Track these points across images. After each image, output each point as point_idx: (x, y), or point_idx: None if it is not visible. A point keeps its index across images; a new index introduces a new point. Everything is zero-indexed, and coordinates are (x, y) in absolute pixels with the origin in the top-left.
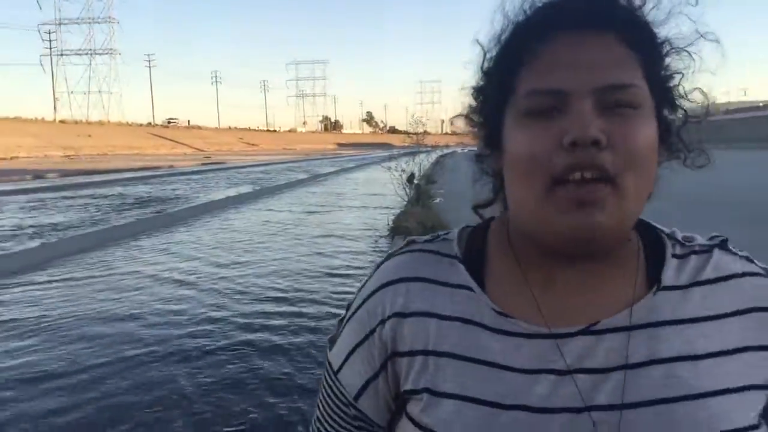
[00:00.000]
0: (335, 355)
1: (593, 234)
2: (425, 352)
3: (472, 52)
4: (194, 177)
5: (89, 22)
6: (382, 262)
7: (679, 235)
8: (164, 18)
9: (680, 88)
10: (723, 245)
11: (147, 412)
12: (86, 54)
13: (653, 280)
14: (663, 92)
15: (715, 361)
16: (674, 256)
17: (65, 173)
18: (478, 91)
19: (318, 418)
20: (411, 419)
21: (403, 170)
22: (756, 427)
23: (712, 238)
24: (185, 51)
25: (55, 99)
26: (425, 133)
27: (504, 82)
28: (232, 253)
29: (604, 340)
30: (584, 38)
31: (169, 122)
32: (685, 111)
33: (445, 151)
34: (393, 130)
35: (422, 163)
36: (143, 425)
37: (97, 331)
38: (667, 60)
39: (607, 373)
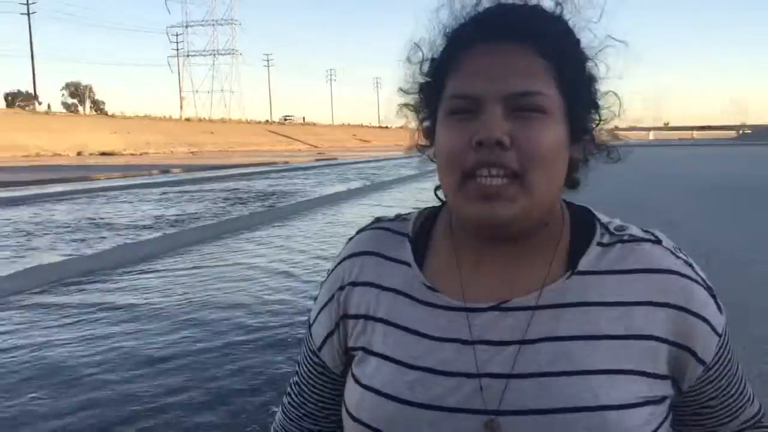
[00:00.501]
0: (312, 314)
1: (496, 223)
2: (366, 317)
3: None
4: (308, 172)
5: (213, 24)
6: (352, 237)
7: (614, 226)
8: (282, 18)
9: (594, 92)
10: (658, 240)
11: (248, 399)
12: (210, 54)
13: (573, 264)
14: (575, 97)
15: (611, 343)
16: (599, 244)
17: (188, 168)
18: (422, 89)
19: (297, 368)
20: (351, 372)
21: None
22: (635, 406)
23: (646, 232)
24: (301, 50)
25: (181, 98)
26: None
27: (437, 85)
28: (335, 248)
29: (509, 317)
30: (499, 49)
31: (285, 119)
32: (599, 113)
33: None
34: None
35: None
36: (245, 411)
37: (207, 318)
38: (582, 67)
39: (504, 345)
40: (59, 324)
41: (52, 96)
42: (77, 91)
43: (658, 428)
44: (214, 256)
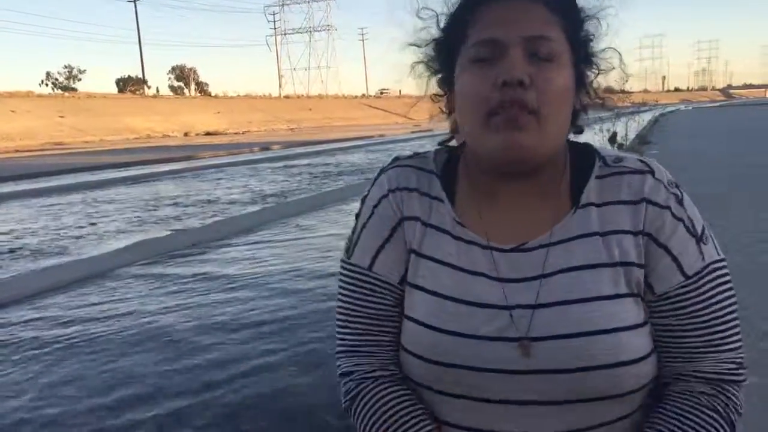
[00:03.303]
0: (363, 253)
1: (519, 151)
2: (412, 251)
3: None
4: (403, 145)
5: (308, 1)
6: (377, 177)
7: (611, 158)
8: None
9: (594, 47)
10: (651, 171)
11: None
12: (306, 32)
13: (577, 199)
14: (580, 49)
15: (611, 270)
16: (598, 177)
17: (288, 144)
18: (438, 44)
19: (349, 314)
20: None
21: (608, 130)
22: (640, 326)
23: (643, 162)
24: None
25: (279, 76)
26: (645, 91)
27: (457, 37)
28: None
29: (528, 256)
30: (514, 4)
31: (381, 93)
32: (598, 66)
33: (667, 109)
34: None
35: (633, 122)
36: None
37: (300, 287)
38: (584, 24)
39: (527, 281)
40: (165, 293)
41: (159, 79)
42: (182, 74)
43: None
44: (310, 228)
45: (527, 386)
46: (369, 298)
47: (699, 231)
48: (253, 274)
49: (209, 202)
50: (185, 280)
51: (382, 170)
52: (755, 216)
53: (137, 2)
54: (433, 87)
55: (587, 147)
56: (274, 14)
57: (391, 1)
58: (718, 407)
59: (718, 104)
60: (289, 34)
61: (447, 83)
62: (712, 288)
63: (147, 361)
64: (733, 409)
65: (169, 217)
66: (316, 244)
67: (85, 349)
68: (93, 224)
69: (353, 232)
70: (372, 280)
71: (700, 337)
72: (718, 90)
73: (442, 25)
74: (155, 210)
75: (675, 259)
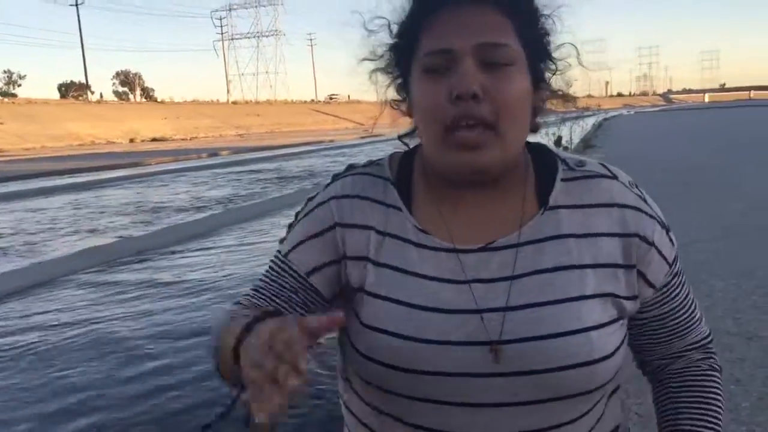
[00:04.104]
0: (288, 243)
1: (477, 169)
2: (366, 259)
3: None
4: (353, 150)
5: (256, 6)
6: (329, 183)
7: (573, 161)
8: None
9: (551, 46)
10: (614, 176)
11: None
12: (254, 37)
13: (543, 200)
14: (535, 51)
15: (584, 271)
16: (563, 179)
17: (237, 150)
18: (393, 49)
19: (258, 286)
20: (357, 316)
21: (553, 134)
22: (610, 323)
23: (604, 167)
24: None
25: (227, 81)
26: (589, 96)
27: (410, 45)
28: None
29: (497, 256)
30: (466, 10)
31: (330, 98)
32: (556, 64)
33: (610, 113)
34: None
35: (577, 127)
36: None
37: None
38: (539, 25)
39: (497, 282)
40: (112, 300)
41: (103, 85)
42: (127, 80)
43: (623, 340)
44: (259, 234)
45: (499, 388)
46: (276, 281)
47: (665, 221)
48: (203, 280)
49: (157, 209)
50: (133, 287)
51: (336, 177)
52: (693, 215)
53: (79, 6)
54: (392, 92)
55: (545, 148)
56: (221, 19)
57: (343, 13)
58: (713, 364)
59: (659, 109)
60: (237, 39)
61: (405, 88)
62: (680, 267)
63: (94, 368)
64: (717, 360)
65: (115, 225)
66: (267, 249)
67: (31, 357)
68: (36, 233)
69: (290, 226)
70: (282, 265)
71: (685, 314)
72: (659, 95)
73: (395, 31)
74: (101, 218)
75: (660, 252)
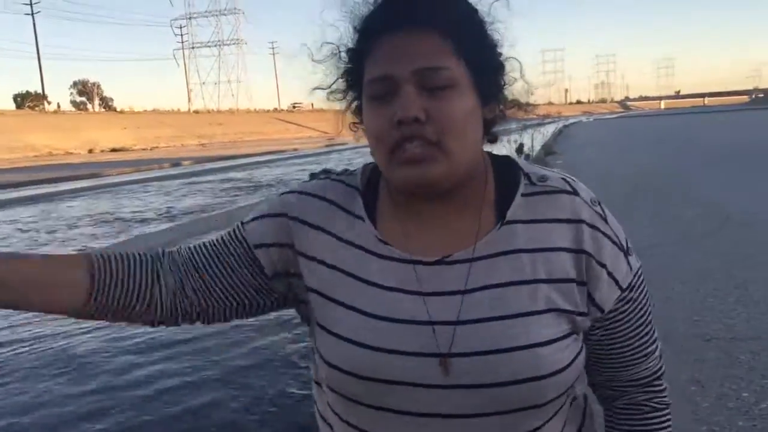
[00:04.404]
0: (249, 215)
1: (425, 183)
2: (323, 263)
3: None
4: (317, 159)
5: (217, 15)
6: (304, 182)
7: (536, 176)
8: (285, 3)
9: (496, 59)
10: (576, 192)
11: (259, 373)
12: (215, 45)
13: (502, 215)
14: (478, 69)
15: (537, 286)
16: (524, 194)
17: (199, 160)
18: (345, 74)
19: (207, 243)
20: (317, 322)
21: (515, 141)
22: (560, 339)
23: (566, 182)
24: (306, 35)
25: (188, 90)
26: (550, 103)
27: (357, 74)
28: None
29: (451, 270)
30: (405, 36)
31: (293, 107)
32: (503, 78)
33: (570, 120)
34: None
35: (538, 134)
36: (251, 387)
37: None
38: (480, 42)
39: (450, 295)
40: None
41: (60, 95)
42: (85, 89)
43: (577, 355)
44: None
45: (449, 400)
46: (227, 244)
47: (625, 244)
48: None
49: (120, 220)
50: None
51: (313, 176)
52: (650, 221)
53: (35, 15)
54: (350, 115)
55: (510, 163)
56: (181, 27)
57: (304, 24)
58: (657, 405)
59: (616, 116)
60: (198, 47)
61: (360, 111)
62: (639, 294)
63: (54, 385)
64: (665, 396)
65: (73, 238)
66: None
67: None
68: None
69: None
70: (237, 232)
71: (634, 344)
72: (617, 102)
73: (344, 58)
74: (62, 230)
75: (611, 274)
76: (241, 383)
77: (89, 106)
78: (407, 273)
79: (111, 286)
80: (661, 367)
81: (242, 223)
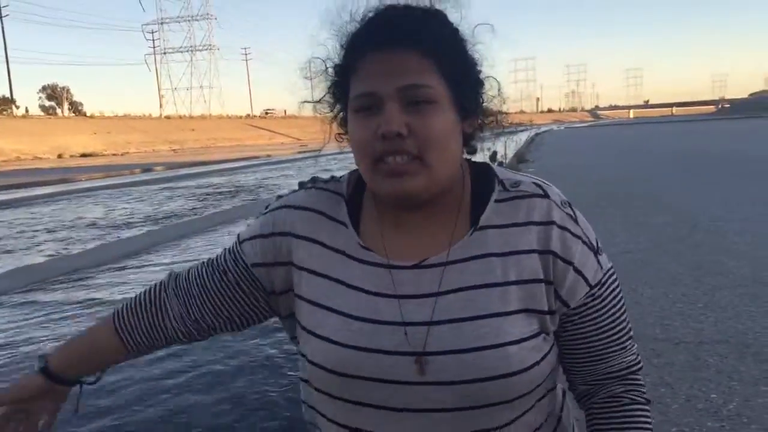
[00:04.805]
0: (244, 234)
1: (405, 195)
2: (311, 271)
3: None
4: (291, 165)
5: (189, 20)
6: (292, 192)
7: (510, 182)
8: (258, 10)
9: (475, 76)
10: (546, 195)
11: (247, 377)
12: (187, 51)
13: (475, 221)
14: (459, 86)
15: (507, 288)
16: (497, 200)
17: (170, 166)
18: (332, 87)
19: (209, 261)
20: (300, 323)
21: (488, 149)
22: (529, 338)
23: (538, 186)
24: (279, 42)
25: (160, 96)
26: (521, 112)
27: (343, 88)
28: None
29: (426, 273)
30: (389, 55)
31: (266, 113)
32: (482, 95)
33: (542, 128)
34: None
35: (512, 142)
36: (236, 394)
37: None
38: (460, 62)
39: (424, 298)
40: (47, 320)
41: (29, 99)
42: (54, 94)
43: (547, 353)
44: (196, 250)
45: (424, 396)
46: (228, 261)
47: (595, 244)
48: None
49: (91, 226)
50: (69, 307)
51: (302, 186)
52: (619, 228)
53: (3, 18)
54: (336, 126)
55: (488, 171)
56: (153, 32)
57: (275, 28)
58: (636, 398)
59: (587, 124)
60: (170, 53)
61: (345, 122)
62: (611, 292)
63: None
64: (643, 391)
65: (45, 243)
66: None
67: None
68: None
69: (258, 216)
70: (235, 251)
71: (608, 338)
72: (587, 111)
73: (332, 72)
74: (31, 236)
75: (579, 272)
76: (225, 386)
77: (58, 110)
78: (385, 277)
79: (136, 338)
80: (638, 362)
81: (239, 242)
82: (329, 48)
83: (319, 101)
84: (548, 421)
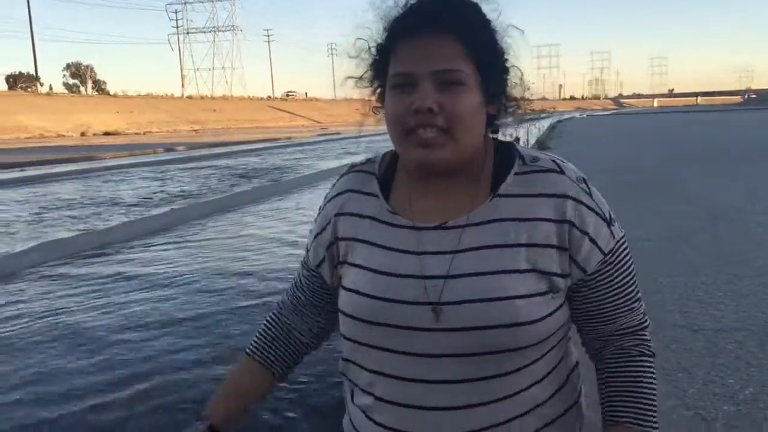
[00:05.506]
0: (308, 242)
1: (433, 163)
2: (351, 239)
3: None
4: (310, 147)
5: (212, 0)
6: (337, 180)
7: (529, 158)
8: None
9: (502, 64)
10: (561, 171)
11: None
12: (210, 31)
13: (495, 190)
14: (487, 71)
15: (519, 249)
16: (516, 173)
17: (192, 146)
18: (372, 66)
19: (295, 280)
20: (340, 281)
21: (510, 135)
22: (536, 295)
23: (555, 163)
24: (302, 24)
25: (182, 76)
26: (544, 99)
27: (384, 64)
28: None
29: (447, 234)
30: (427, 40)
31: (287, 95)
32: (506, 81)
33: (564, 116)
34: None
35: (534, 128)
36: None
37: (218, 285)
38: (490, 50)
39: (443, 255)
40: (77, 292)
41: (53, 77)
42: (78, 72)
43: (554, 311)
44: (220, 229)
45: (439, 342)
46: (304, 271)
47: (608, 216)
48: (167, 274)
49: (114, 203)
50: (97, 280)
51: (341, 175)
52: (638, 217)
53: None
54: (373, 99)
55: (511, 147)
56: (176, 12)
57: (300, 11)
58: (644, 351)
59: (609, 112)
60: (193, 33)
61: (383, 97)
62: (622, 258)
63: (64, 359)
64: (650, 346)
65: (72, 219)
66: (230, 244)
67: (4, 348)
68: None
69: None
70: (304, 263)
71: (619, 300)
72: (610, 99)
73: (374, 52)
74: (60, 211)
75: (594, 241)
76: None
77: (82, 88)
78: (409, 237)
79: (282, 364)
80: (646, 321)
81: (306, 250)
82: (372, 30)
83: (360, 77)
84: (556, 374)
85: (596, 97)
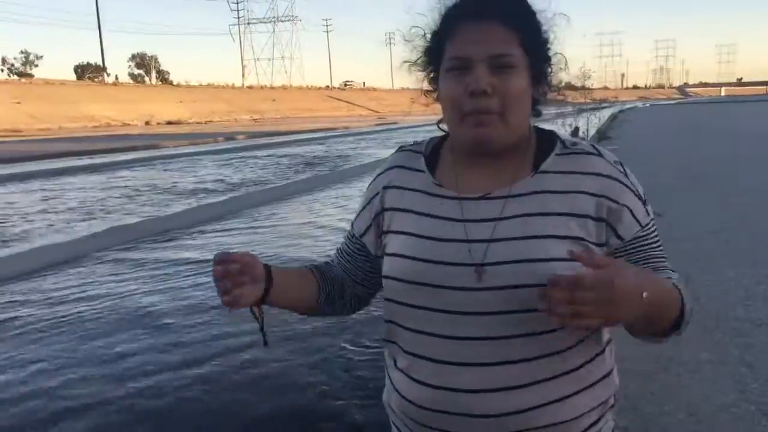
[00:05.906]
0: (356, 213)
1: (487, 142)
2: (396, 209)
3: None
4: (367, 137)
5: None
6: (389, 157)
7: (570, 142)
8: None
9: (548, 50)
10: (600, 154)
11: (319, 339)
12: (270, 22)
13: (537, 167)
14: (535, 57)
15: (558, 218)
16: (557, 154)
17: (252, 135)
18: (427, 52)
19: (340, 247)
20: (384, 251)
21: (570, 125)
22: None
23: (594, 147)
24: (360, 14)
25: (243, 66)
26: (605, 88)
27: (439, 50)
28: None
29: (490, 204)
30: (483, 26)
31: (345, 85)
32: (551, 67)
33: (626, 105)
34: (567, 86)
35: (594, 118)
36: (319, 350)
37: None
38: (539, 36)
39: (486, 222)
40: (144, 276)
41: (119, 67)
42: (143, 62)
43: None
44: (279, 216)
45: (481, 300)
46: (348, 241)
47: (642, 196)
48: None
49: (177, 191)
50: (162, 264)
51: (392, 154)
52: (701, 209)
53: None
54: (425, 84)
55: (552, 133)
56: (237, 3)
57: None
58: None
59: (674, 102)
60: (253, 23)
61: (436, 81)
62: (652, 233)
63: (135, 338)
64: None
65: (139, 205)
66: (288, 232)
67: (74, 327)
68: (63, 211)
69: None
70: (349, 233)
71: (650, 263)
72: (675, 88)
73: (428, 38)
74: (124, 198)
75: (632, 214)
76: (310, 344)
77: (146, 78)
78: (455, 206)
79: (328, 296)
80: (674, 272)
81: (353, 222)
82: (428, 17)
83: (415, 62)
84: (589, 344)
85: (660, 86)
